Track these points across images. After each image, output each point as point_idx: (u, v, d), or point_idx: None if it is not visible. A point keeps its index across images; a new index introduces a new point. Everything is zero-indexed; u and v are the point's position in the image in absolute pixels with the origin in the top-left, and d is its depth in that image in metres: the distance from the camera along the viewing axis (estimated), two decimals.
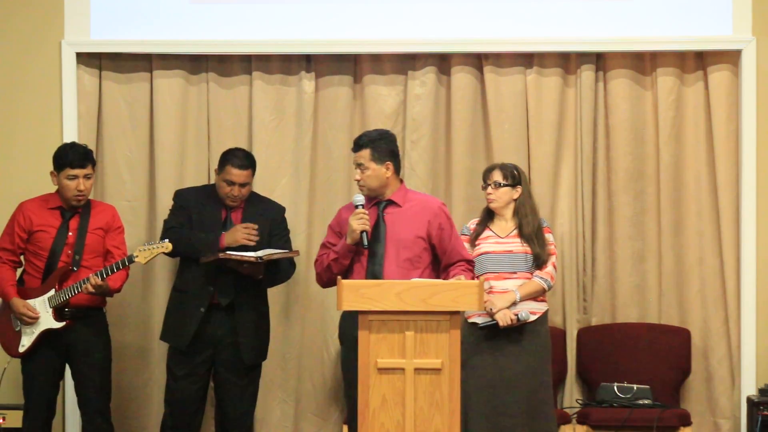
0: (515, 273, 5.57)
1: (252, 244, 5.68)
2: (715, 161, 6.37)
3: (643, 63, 6.45)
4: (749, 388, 6.25)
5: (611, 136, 6.43)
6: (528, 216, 5.64)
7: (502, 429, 5.47)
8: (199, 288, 5.76)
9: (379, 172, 5.24)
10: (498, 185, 5.63)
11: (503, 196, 5.64)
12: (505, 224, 5.66)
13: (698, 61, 6.42)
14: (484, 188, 5.68)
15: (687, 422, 6.02)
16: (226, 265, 5.66)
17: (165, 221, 5.94)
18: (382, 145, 5.26)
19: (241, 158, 5.80)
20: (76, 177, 5.65)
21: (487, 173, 5.70)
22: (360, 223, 5.16)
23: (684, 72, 6.42)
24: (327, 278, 5.32)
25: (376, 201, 5.29)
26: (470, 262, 5.35)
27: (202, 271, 5.72)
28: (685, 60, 6.42)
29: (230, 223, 5.82)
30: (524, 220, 5.63)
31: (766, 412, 5.97)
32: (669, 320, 6.40)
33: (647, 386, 6.10)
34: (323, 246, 5.39)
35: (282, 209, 6.01)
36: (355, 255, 5.24)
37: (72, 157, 5.66)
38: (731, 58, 6.35)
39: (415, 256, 5.22)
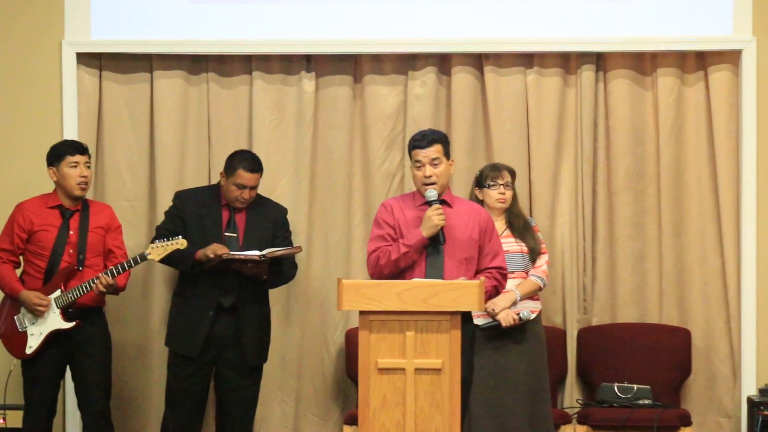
0: (512, 273, 5.57)
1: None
2: (716, 161, 6.37)
3: (643, 63, 6.45)
4: (750, 388, 6.25)
5: (611, 136, 6.43)
6: (519, 214, 5.73)
7: (505, 429, 5.47)
8: (204, 292, 5.76)
9: (448, 169, 5.19)
10: (509, 186, 5.67)
11: (510, 198, 5.69)
12: (498, 224, 5.66)
13: (699, 61, 6.42)
14: (492, 188, 5.66)
15: (687, 422, 6.01)
16: (230, 266, 5.66)
17: (157, 227, 5.95)
18: (448, 144, 5.24)
19: (251, 162, 5.80)
20: (77, 164, 5.67)
21: (497, 173, 5.68)
22: (441, 218, 5.09)
23: (684, 72, 6.42)
24: (389, 272, 5.07)
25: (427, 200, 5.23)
26: (501, 269, 5.20)
27: (204, 275, 5.72)
28: (685, 60, 6.42)
29: (234, 225, 5.82)
30: (515, 219, 5.69)
31: (766, 412, 5.98)
32: (669, 320, 6.40)
33: (648, 386, 6.10)
34: (378, 239, 5.16)
35: (284, 210, 6.02)
36: None
37: (70, 146, 5.72)
38: (731, 58, 6.35)
39: (470, 257, 5.12)
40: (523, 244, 5.65)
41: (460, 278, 5.01)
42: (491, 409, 5.50)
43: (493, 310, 5.51)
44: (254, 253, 5.62)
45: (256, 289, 5.82)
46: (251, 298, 5.81)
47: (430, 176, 5.12)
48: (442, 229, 5.06)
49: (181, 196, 5.95)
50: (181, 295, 5.88)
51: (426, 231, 5.06)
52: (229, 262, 5.63)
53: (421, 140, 5.16)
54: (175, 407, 5.84)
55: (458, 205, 5.23)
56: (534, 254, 5.67)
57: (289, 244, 5.92)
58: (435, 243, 5.07)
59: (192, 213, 5.84)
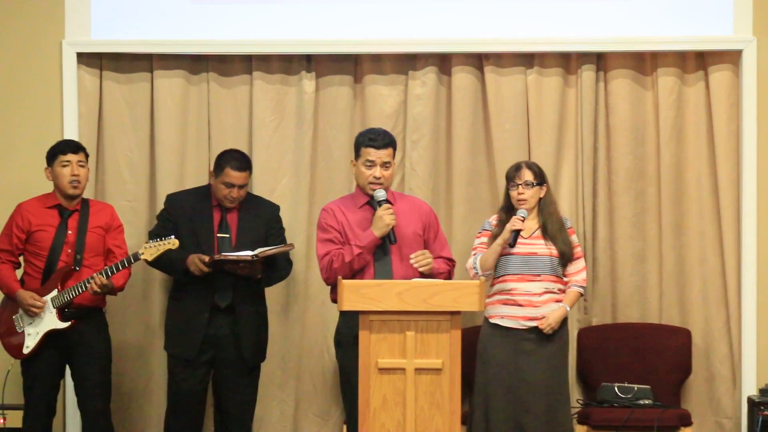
0: (539, 276, 5.55)
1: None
2: (716, 161, 6.36)
3: (643, 63, 6.44)
4: (750, 388, 6.25)
5: (612, 136, 6.43)
6: (552, 214, 5.65)
7: (523, 428, 5.47)
8: (199, 294, 5.76)
9: (393, 171, 5.28)
10: (529, 185, 5.61)
11: (534, 196, 5.62)
12: (529, 223, 5.63)
13: (699, 61, 6.42)
14: (512, 188, 5.64)
15: (688, 422, 6.01)
16: (224, 267, 5.66)
17: (150, 232, 5.95)
18: (396, 146, 5.34)
19: (239, 160, 5.81)
20: (68, 163, 5.68)
21: (515, 172, 5.63)
22: (392, 217, 5.15)
23: (685, 72, 6.42)
24: (343, 275, 5.16)
25: (369, 200, 5.30)
26: (450, 260, 5.43)
27: (198, 276, 5.72)
28: (685, 60, 6.42)
29: (226, 225, 5.82)
30: (549, 219, 5.62)
31: (766, 412, 5.98)
32: (670, 320, 6.40)
33: (648, 386, 6.09)
34: (327, 243, 5.30)
35: (277, 208, 6.02)
36: None
37: (63, 145, 5.74)
38: (732, 58, 6.35)
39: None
40: (553, 248, 5.60)
41: (414, 278, 5.09)
42: (509, 409, 5.50)
43: (547, 319, 5.53)
44: (246, 254, 5.62)
45: (252, 289, 5.82)
46: (247, 297, 5.81)
47: (380, 178, 5.22)
48: (392, 228, 5.13)
49: (172, 199, 5.96)
50: (176, 298, 5.89)
51: (378, 231, 5.16)
52: (222, 263, 5.63)
53: (375, 140, 5.26)
54: (177, 409, 5.85)
55: (399, 202, 5.34)
56: (564, 258, 5.60)
57: (283, 241, 5.92)
58: (387, 242, 5.13)
59: (184, 215, 5.85)
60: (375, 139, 5.28)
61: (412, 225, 5.29)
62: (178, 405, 5.84)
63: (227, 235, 5.80)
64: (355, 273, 5.21)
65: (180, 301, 5.84)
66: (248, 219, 5.85)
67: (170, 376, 5.88)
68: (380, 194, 5.23)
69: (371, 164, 5.25)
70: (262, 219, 5.90)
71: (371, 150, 5.25)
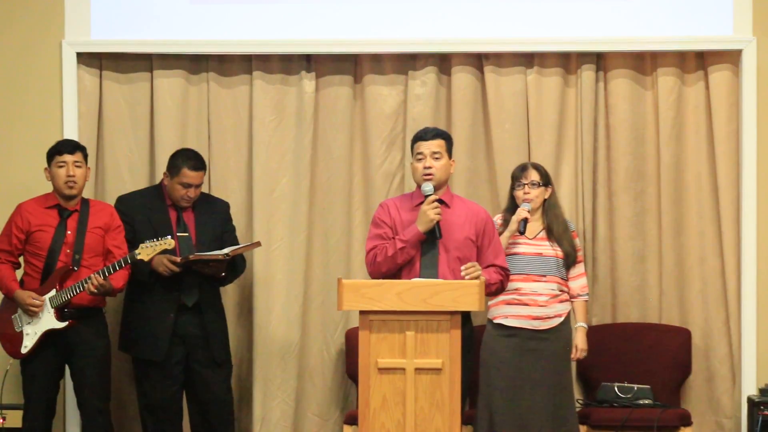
0: (544, 276, 5.58)
1: (167, 274, 5.70)
2: (716, 161, 6.36)
3: (643, 63, 6.45)
4: (750, 387, 6.25)
5: (612, 136, 6.43)
6: (558, 216, 5.69)
7: (527, 427, 5.49)
8: (163, 294, 5.79)
9: (448, 166, 5.19)
10: (535, 185, 5.65)
11: (540, 196, 5.67)
12: (534, 224, 5.66)
13: (699, 61, 6.42)
14: (518, 188, 5.66)
15: (687, 422, 6.01)
16: (193, 266, 5.70)
17: None
18: (451, 143, 5.26)
19: (195, 159, 5.88)
20: (64, 164, 5.69)
21: (522, 172, 5.68)
22: (436, 212, 5.08)
23: (684, 72, 6.42)
24: (387, 269, 5.10)
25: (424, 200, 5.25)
26: (505, 269, 5.25)
27: (161, 277, 5.73)
28: (685, 60, 6.42)
29: (183, 224, 5.87)
30: (554, 221, 5.66)
31: (766, 412, 5.98)
32: (670, 320, 6.40)
33: (648, 386, 6.10)
34: (376, 238, 5.20)
35: (228, 206, 6.10)
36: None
37: (60, 146, 5.75)
38: (732, 58, 6.35)
39: (464, 257, 5.13)
40: (558, 249, 5.63)
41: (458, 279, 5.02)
42: (514, 408, 5.50)
43: (577, 347, 5.71)
44: (218, 253, 5.68)
45: (214, 287, 5.92)
46: (211, 296, 5.90)
47: (430, 167, 5.13)
48: (438, 224, 5.07)
49: (125, 201, 5.99)
50: (136, 300, 5.89)
51: (422, 226, 5.07)
52: (194, 263, 5.68)
53: (425, 134, 5.20)
54: (157, 415, 5.88)
55: (456, 204, 5.24)
56: (569, 260, 5.66)
57: (235, 238, 6.02)
58: (432, 238, 5.07)
59: (139, 216, 5.88)
60: (423, 132, 5.24)
61: (465, 230, 5.18)
62: (156, 409, 5.87)
63: (187, 234, 5.86)
64: (402, 270, 5.14)
65: (142, 303, 5.85)
66: (204, 217, 5.93)
67: (142, 382, 5.90)
68: (427, 188, 5.12)
69: (422, 156, 5.18)
70: (218, 217, 5.99)
71: (421, 143, 5.17)
